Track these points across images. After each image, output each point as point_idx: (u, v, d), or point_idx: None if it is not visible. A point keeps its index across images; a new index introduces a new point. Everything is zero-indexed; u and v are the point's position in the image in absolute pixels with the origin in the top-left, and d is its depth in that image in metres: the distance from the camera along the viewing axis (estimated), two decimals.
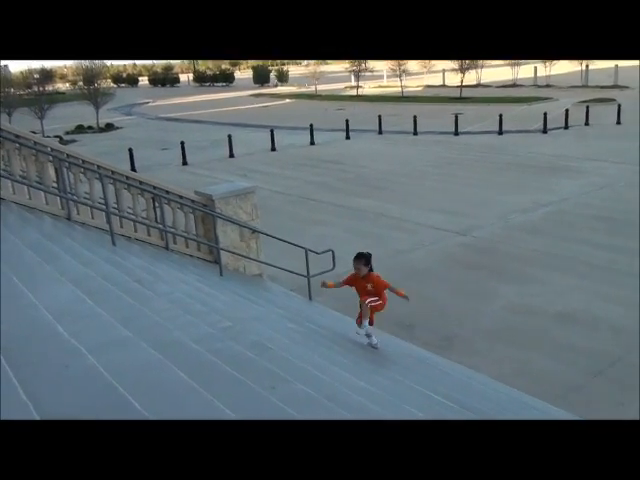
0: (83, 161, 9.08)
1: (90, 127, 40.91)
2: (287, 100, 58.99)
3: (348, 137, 32.12)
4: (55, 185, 9.38)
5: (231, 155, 28.10)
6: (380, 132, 33.09)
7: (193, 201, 10.21)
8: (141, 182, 9.61)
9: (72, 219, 8.84)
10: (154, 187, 9.73)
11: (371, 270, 6.49)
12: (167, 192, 9.88)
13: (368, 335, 6.81)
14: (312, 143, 30.84)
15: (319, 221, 16.34)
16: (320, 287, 7.18)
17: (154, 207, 10.00)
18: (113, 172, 9.34)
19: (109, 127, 41.60)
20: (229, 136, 28.35)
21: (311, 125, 31.13)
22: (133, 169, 22.21)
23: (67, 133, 38.70)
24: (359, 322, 6.64)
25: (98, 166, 9.16)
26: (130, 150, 25.29)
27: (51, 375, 3.11)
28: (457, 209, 16.88)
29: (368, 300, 6.46)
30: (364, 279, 6.44)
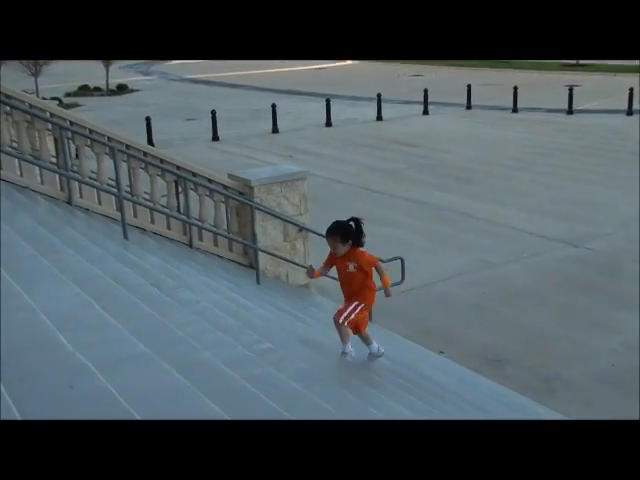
0: (90, 131, 9.30)
1: (97, 88, 41.94)
2: (348, 62, 59.16)
3: (426, 112, 32.01)
4: (54, 160, 9.65)
5: (275, 130, 28.37)
6: (469, 107, 32.87)
7: (226, 187, 10.36)
8: (162, 160, 9.81)
9: (74, 203, 9.08)
10: (178, 167, 9.92)
11: (357, 244, 5.98)
12: (193, 174, 10.06)
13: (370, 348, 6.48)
14: (379, 118, 30.85)
15: (386, 220, 16.33)
16: (307, 276, 6.64)
17: (177, 193, 10.19)
18: (128, 146, 9.55)
19: (121, 89, 42.57)
20: (273, 106, 28.64)
21: (378, 95, 31.15)
22: (150, 144, 22.65)
23: (68, 95, 39.75)
24: (344, 325, 6.10)
25: (109, 138, 9.39)
26: (147, 119, 25.78)
27: (51, 396, 3.23)
28: (567, 211, 16.62)
29: (342, 319, 5.96)
30: (346, 257, 5.99)
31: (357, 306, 6.06)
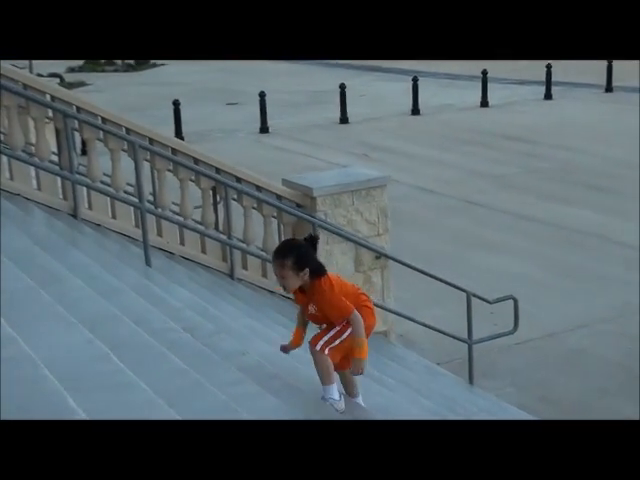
0: (104, 119, 9.46)
1: (110, 62, 42.74)
2: None
3: (549, 95, 31.80)
4: (55, 159, 9.83)
5: (344, 119, 28.50)
6: (609, 88, 32.53)
7: (279, 197, 10.43)
8: (196, 160, 9.92)
9: (80, 217, 9.23)
10: (217, 170, 10.02)
11: (318, 273, 5.63)
12: (237, 179, 10.15)
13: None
14: (484, 104, 30.78)
15: (493, 245, 16.23)
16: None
17: (215, 204, 10.28)
18: (152, 140, 9.67)
19: (141, 63, 43.31)
20: (342, 86, 28.76)
21: (484, 72, 31.03)
22: (179, 136, 22.91)
23: (71, 70, 40.65)
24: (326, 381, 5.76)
25: (128, 129, 9.54)
26: (176, 104, 26.13)
27: None
28: None
29: (321, 344, 5.59)
30: (306, 295, 5.73)
31: (345, 327, 5.68)
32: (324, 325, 5.79)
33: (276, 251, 5.71)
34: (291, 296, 10.21)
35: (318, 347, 5.59)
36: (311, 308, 5.70)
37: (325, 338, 5.63)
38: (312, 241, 5.68)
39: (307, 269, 5.50)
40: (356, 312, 5.56)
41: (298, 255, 5.50)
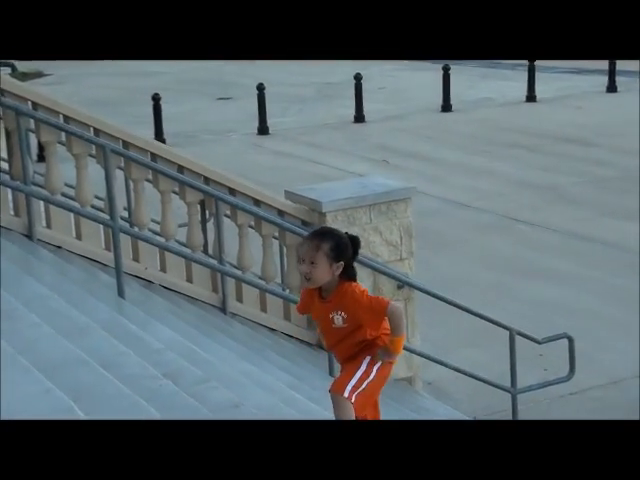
0: (66, 118, 9.46)
1: None
2: None
3: (613, 88, 31.73)
4: (5, 166, 9.82)
5: (359, 118, 28.52)
6: None
7: (281, 213, 10.42)
8: (181, 168, 9.91)
9: (36, 237, 9.22)
10: (206, 179, 10.01)
11: (350, 275, 5.72)
12: (230, 191, 10.14)
13: None
14: (531, 98, 30.77)
15: (542, 271, 16.16)
16: None
17: (203, 222, 10.26)
18: (126, 144, 9.66)
19: None
20: (357, 77, 28.79)
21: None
22: (159, 139, 22.90)
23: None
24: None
25: (96, 129, 9.53)
26: (155, 99, 26.14)
27: None
28: None
29: (349, 389, 5.56)
30: (326, 302, 5.74)
31: (371, 366, 5.72)
32: (358, 370, 5.75)
33: (314, 232, 5.83)
34: (292, 331, 10.25)
35: (346, 394, 5.56)
36: (337, 318, 5.65)
37: (352, 382, 5.61)
38: (354, 243, 5.71)
39: (342, 263, 5.53)
40: (394, 303, 5.63)
41: (338, 243, 5.55)
